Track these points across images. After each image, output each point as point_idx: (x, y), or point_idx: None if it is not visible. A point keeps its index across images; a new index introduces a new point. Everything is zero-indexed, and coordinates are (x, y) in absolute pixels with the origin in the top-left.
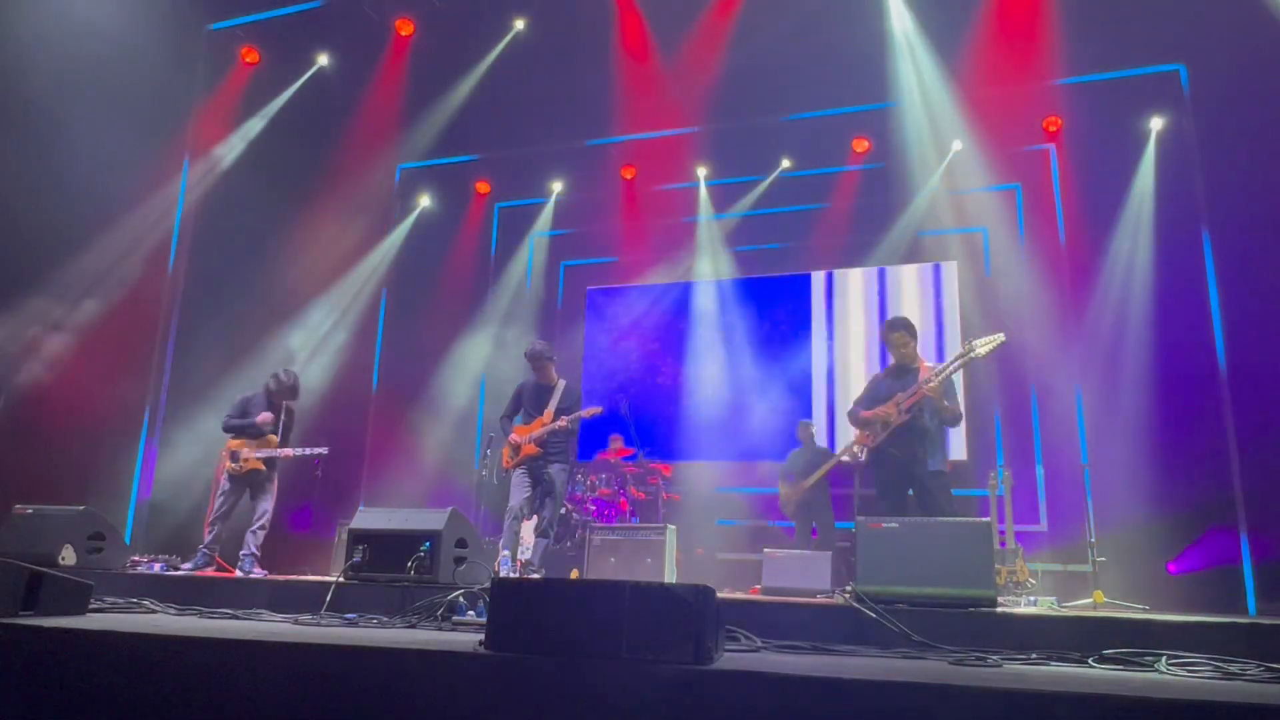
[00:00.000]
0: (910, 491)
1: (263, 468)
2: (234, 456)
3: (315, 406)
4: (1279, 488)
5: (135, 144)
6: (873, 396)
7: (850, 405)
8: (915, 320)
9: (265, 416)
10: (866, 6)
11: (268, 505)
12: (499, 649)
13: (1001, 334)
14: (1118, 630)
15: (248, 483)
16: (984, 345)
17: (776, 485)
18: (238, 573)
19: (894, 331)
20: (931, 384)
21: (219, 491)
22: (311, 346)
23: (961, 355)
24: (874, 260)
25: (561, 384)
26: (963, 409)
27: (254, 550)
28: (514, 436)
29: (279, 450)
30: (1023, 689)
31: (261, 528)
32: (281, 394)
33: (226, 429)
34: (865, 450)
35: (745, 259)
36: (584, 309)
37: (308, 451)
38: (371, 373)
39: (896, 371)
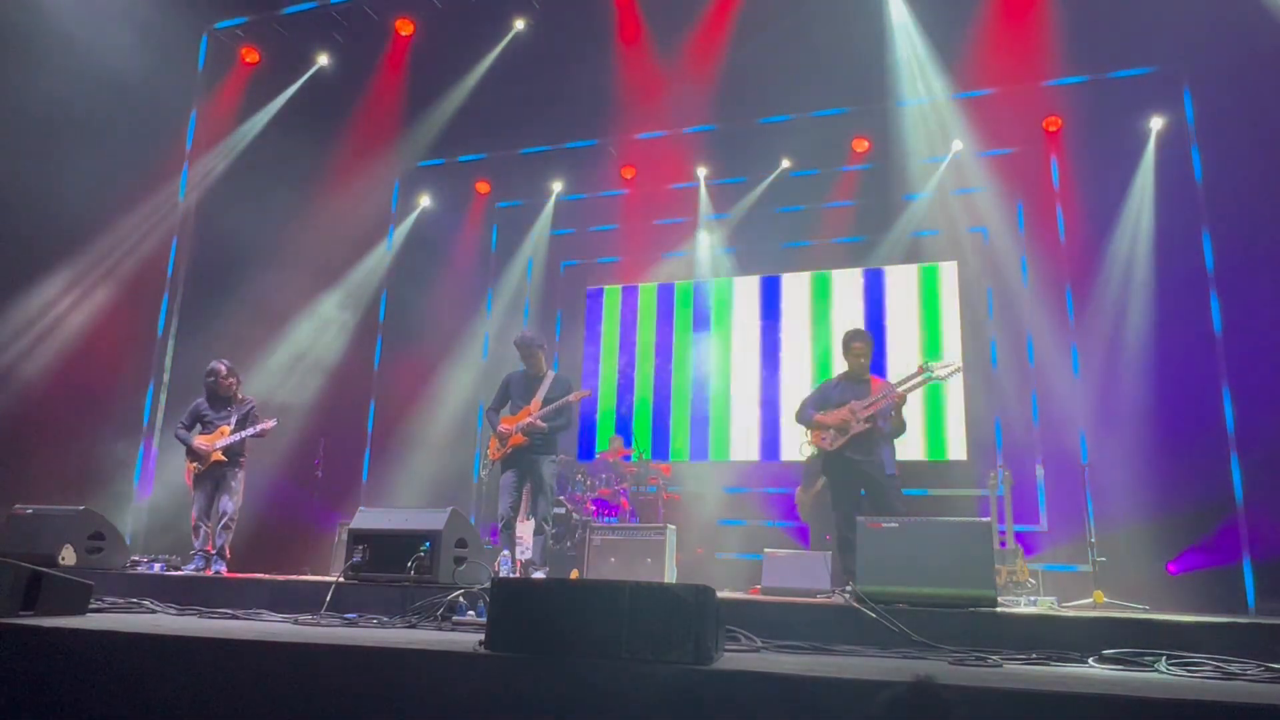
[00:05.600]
0: (863, 492)
1: (224, 459)
2: (193, 456)
3: (315, 406)
4: (1279, 488)
5: (135, 144)
6: (823, 401)
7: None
8: (915, 321)
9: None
10: (866, 6)
11: (231, 503)
12: (499, 649)
13: (958, 363)
14: (1118, 630)
15: (212, 478)
16: (943, 369)
17: (776, 485)
18: (211, 571)
19: (856, 341)
20: (900, 393)
21: (192, 493)
22: (312, 346)
23: (918, 375)
24: (874, 260)
25: (551, 374)
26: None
27: (220, 549)
28: (502, 426)
29: (233, 437)
30: (1023, 689)
31: (226, 527)
32: (219, 387)
33: (177, 437)
34: (820, 452)
35: (745, 259)
36: (584, 309)
37: (257, 429)
38: (371, 372)
39: (849, 379)
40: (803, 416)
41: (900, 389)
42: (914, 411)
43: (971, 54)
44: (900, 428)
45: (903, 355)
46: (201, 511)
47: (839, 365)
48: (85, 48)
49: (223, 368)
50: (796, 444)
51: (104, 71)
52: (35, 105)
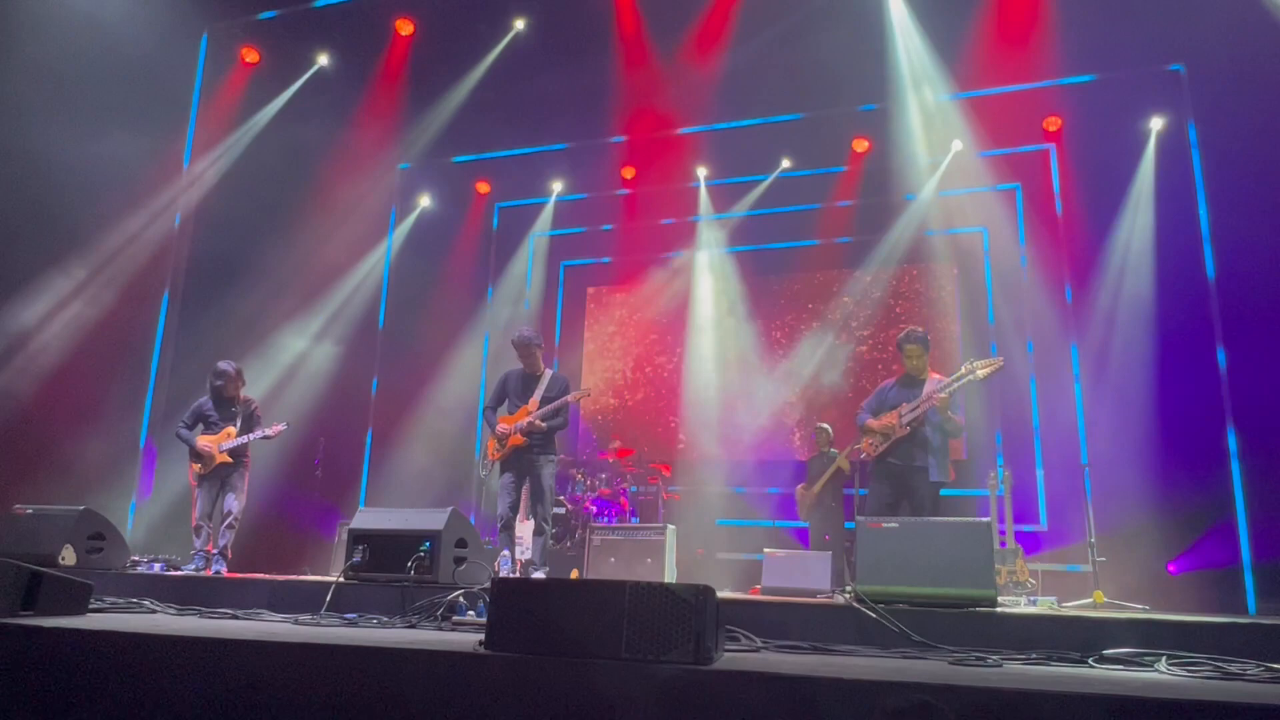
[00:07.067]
0: (905, 504)
1: (229, 460)
2: (196, 457)
3: (315, 406)
4: (1279, 488)
5: (135, 143)
6: (879, 404)
7: (859, 410)
8: (914, 321)
9: (213, 441)
10: (866, 6)
11: (236, 503)
12: (499, 649)
13: (1001, 359)
14: (1118, 630)
15: (218, 478)
16: (984, 368)
17: (776, 485)
18: (211, 571)
19: (910, 343)
20: (939, 396)
21: (194, 494)
22: (312, 346)
23: (962, 375)
24: (874, 261)
25: (548, 373)
26: (964, 422)
27: (222, 549)
28: (501, 427)
29: (239, 439)
30: (1023, 689)
31: (230, 527)
32: (224, 388)
33: (179, 437)
34: (869, 457)
35: (745, 259)
36: (584, 309)
37: (267, 432)
38: (372, 372)
39: (905, 382)
40: (858, 421)
41: (940, 393)
42: None
43: (971, 54)
44: (956, 430)
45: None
46: (204, 512)
47: (840, 365)
48: (85, 47)
49: (231, 369)
50: (807, 444)
51: (103, 71)
52: (35, 105)
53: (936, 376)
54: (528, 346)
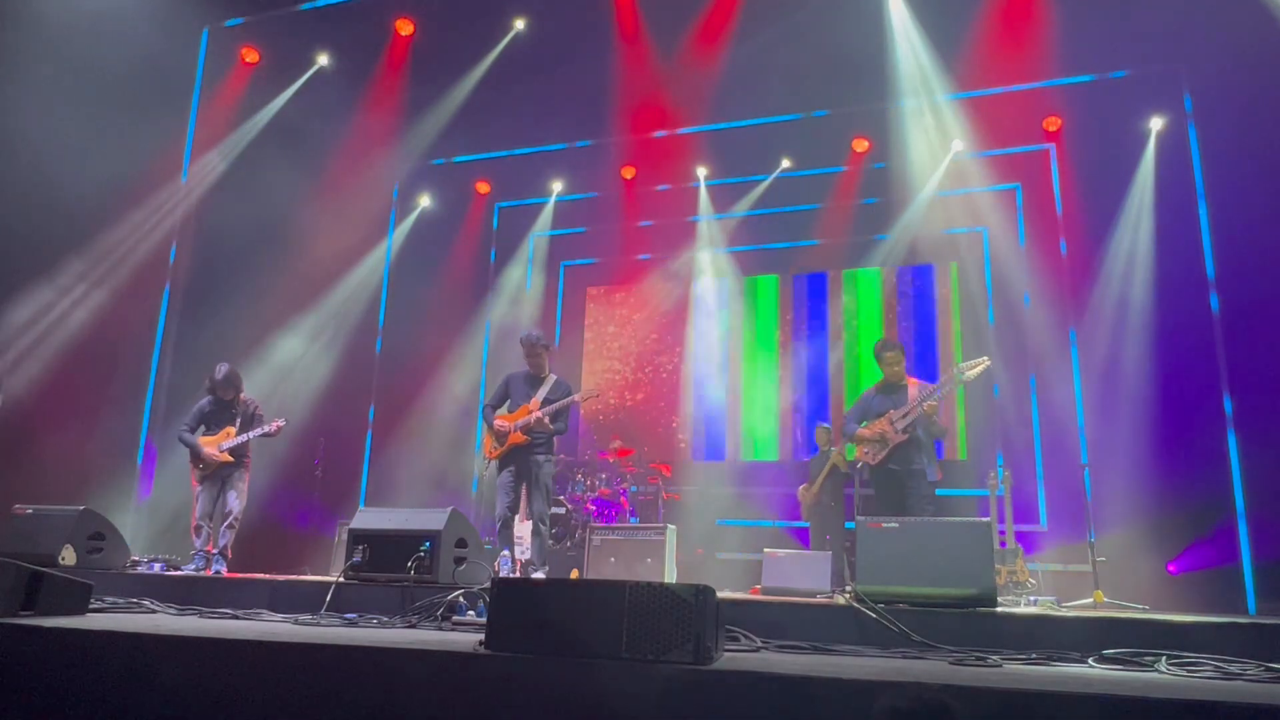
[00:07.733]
0: (906, 507)
1: (230, 460)
2: (198, 460)
3: (315, 406)
4: (1279, 488)
5: (136, 143)
6: (864, 412)
7: (842, 419)
8: (914, 321)
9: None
10: (866, 6)
11: (237, 503)
12: (499, 649)
13: (986, 358)
14: (1118, 630)
15: (219, 478)
16: (971, 369)
17: (776, 485)
18: (211, 571)
19: (887, 351)
20: (930, 403)
21: (195, 494)
22: (311, 346)
23: (950, 379)
24: (874, 261)
25: (552, 378)
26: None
27: (223, 549)
28: (500, 424)
29: (239, 438)
30: (1023, 689)
31: (230, 527)
32: (222, 390)
33: (181, 440)
34: (865, 466)
35: (745, 259)
36: (584, 309)
37: (267, 429)
38: (372, 373)
39: (886, 389)
40: (846, 431)
41: (927, 402)
42: None
43: (972, 54)
44: (941, 432)
45: None
46: (204, 512)
47: (838, 365)
48: (84, 47)
49: (228, 370)
50: (808, 444)
51: (103, 72)
52: (33, 106)
53: (916, 381)
54: (534, 347)
